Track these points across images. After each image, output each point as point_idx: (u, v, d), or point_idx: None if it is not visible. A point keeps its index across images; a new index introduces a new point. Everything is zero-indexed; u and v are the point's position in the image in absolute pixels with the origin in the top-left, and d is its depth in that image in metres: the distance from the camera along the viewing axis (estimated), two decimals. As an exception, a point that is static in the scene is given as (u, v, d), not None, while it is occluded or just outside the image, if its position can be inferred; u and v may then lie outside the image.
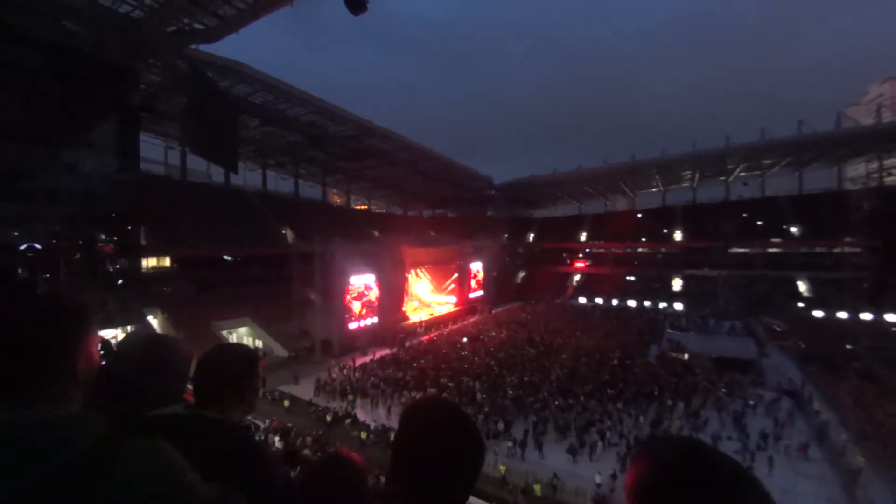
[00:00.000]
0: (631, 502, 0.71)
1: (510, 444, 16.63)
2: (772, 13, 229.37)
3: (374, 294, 33.02)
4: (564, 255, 59.56)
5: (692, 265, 48.64)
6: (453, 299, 45.52)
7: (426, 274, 44.82)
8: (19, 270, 20.99)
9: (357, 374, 24.72)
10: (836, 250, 41.07)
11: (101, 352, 1.02)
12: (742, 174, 53.17)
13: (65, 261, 22.62)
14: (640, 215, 59.42)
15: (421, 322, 37.80)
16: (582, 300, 50.33)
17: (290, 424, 18.39)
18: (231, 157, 24.76)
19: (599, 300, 48.76)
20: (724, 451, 0.71)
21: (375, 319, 32.88)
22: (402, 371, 24.67)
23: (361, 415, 19.79)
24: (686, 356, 27.18)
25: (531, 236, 64.65)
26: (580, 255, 59.00)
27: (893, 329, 30.55)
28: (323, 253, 31.43)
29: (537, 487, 14.07)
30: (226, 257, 36.03)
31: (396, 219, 64.83)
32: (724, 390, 21.97)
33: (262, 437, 15.71)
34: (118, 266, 26.17)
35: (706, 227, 49.82)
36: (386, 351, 29.50)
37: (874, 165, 44.30)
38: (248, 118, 35.80)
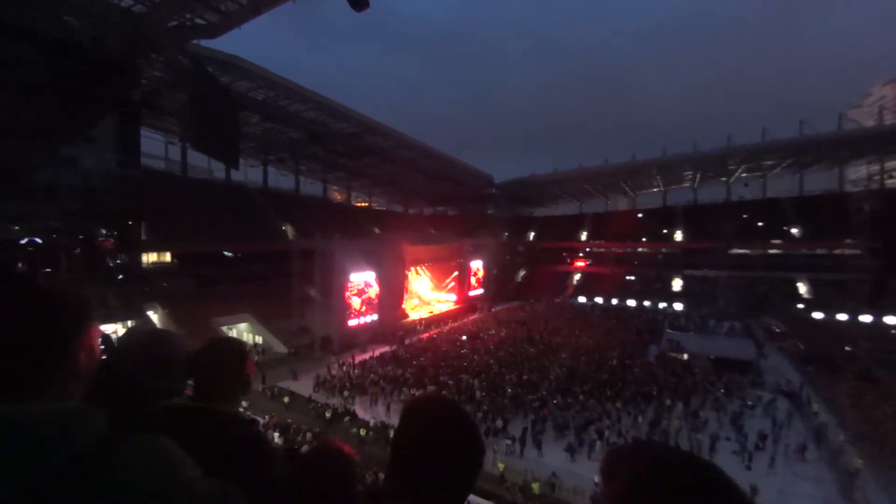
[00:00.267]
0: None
1: (509, 441, 16.67)
2: (773, 13, 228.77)
3: (373, 291, 33.04)
4: (565, 254, 59.57)
5: (692, 265, 48.66)
6: (453, 297, 45.56)
7: (426, 271, 44.85)
8: (20, 265, 21.01)
9: (356, 371, 24.78)
10: (837, 252, 41.13)
11: (102, 347, 1.02)
12: (743, 175, 53.13)
13: (65, 256, 22.64)
14: (640, 215, 59.40)
15: (421, 320, 37.83)
16: (582, 299, 50.35)
17: (289, 421, 18.42)
18: (232, 153, 24.75)
19: (599, 299, 48.78)
20: (717, 453, 0.71)
21: (375, 317, 32.90)
22: (402, 368, 24.71)
23: (361, 412, 19.83)
24: (685, 356, 27.21)
25: (531, 235, 64.64)
26: (580, 255, 59.02)
27: (893, 331, 30.58)
28: (323, 250, 31.44)
29: (535, 486, 14.11)
30: (226, 253, 36.06)
31: (397, 216, 64.84)
32: (722, 391, 22.01)
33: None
34: (118, 261, 26.18)
35: (707, 227, 49.84)
36: (385, 348, 29.53)
37: (875, 168, 44.26)
38: (249, 114, 35.75)
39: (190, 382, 1.40)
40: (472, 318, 41.67)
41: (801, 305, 39.59)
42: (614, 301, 47.72)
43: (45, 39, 18.10)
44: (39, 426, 0.68)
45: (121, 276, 25.86)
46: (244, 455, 1.14)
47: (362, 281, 32.10)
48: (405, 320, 36.44)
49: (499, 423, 17.94)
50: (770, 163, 49.22)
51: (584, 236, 59.92)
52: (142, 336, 1.54)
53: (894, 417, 18.75)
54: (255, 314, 30.08)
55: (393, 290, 35.03)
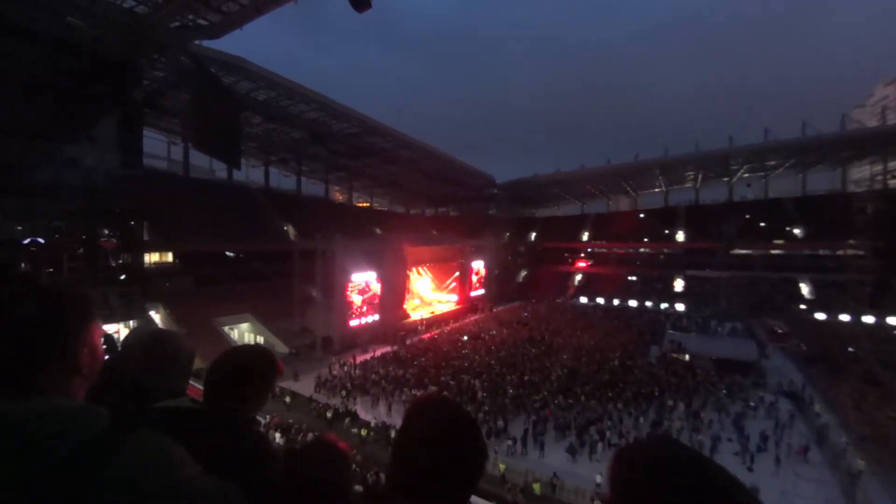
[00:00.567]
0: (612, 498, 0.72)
1: (510, 442, 16.65)
2: (775, 13, 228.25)
3: (375, 291, 33.05)
4: (566, 254, 59.55)
5: (694, 266, 48.61)
6: (454, 297, 45.55)
7: (427, 272, 44.85)
8: (22, 265, 21.07)
9: (357, 372, 24.79)
10: (839, 253, 41.01)
11: (104, 346, 1.02)
12: (745, 175, 53.05)
13: (67, 255, 22.69)
14: (642, 215, 59.34)
15: (422, 320, 37.83)
16: (583, 300, 50.32)
17: (290, 421, 18.45)
18: (234, 154, 24.77)
19: (601, 300, 48.75)
20: (719, 454, 0.72)
21: (376, 317, 32.92)
22: (403, 369, 24.71)
23: (362, 412, 19.83)
24: (687, 357, 27.14)
25: (533, 235, 64.62)
26: (582, 255, 58.99)
27: (895, 332, 30.46)
28: (325, 250, 31.48)
29: (536, 486, 14.09)
30: (228, 253, 36.12)
31: (398, 216, 64.91)
32: (724, 392, 21.95)
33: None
34: (120, 261, 26.22)
35: (709, 227, 49.76)
36: (387, 348, 29.54)
37: (878, 168, 44.10)
38: (251, 115, 35.83)
39: (192, 383, 1.38)
40: (473, 318, 41.65)
41: (803, 306, 39.49)
42: (616, 301, 47.68)
43: (46, 39, 18.16)
44: (40, 423, 0.68)
45: (123, 276, 25.90)
46: (244, 454, 1.14)
47: (364, 281, 32.12)
48: (406, 321, 36.45)
49: (500, 423, 17.92)
50: (772, 163, 49.12)
51: (585, 237, 59.88)
52: (144, 336, 1.53)
53: (897, 419, 18.68)
54: (257, 314, 30.13)
55: (394, 291, 35.04)
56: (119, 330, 22.12)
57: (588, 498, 13.62)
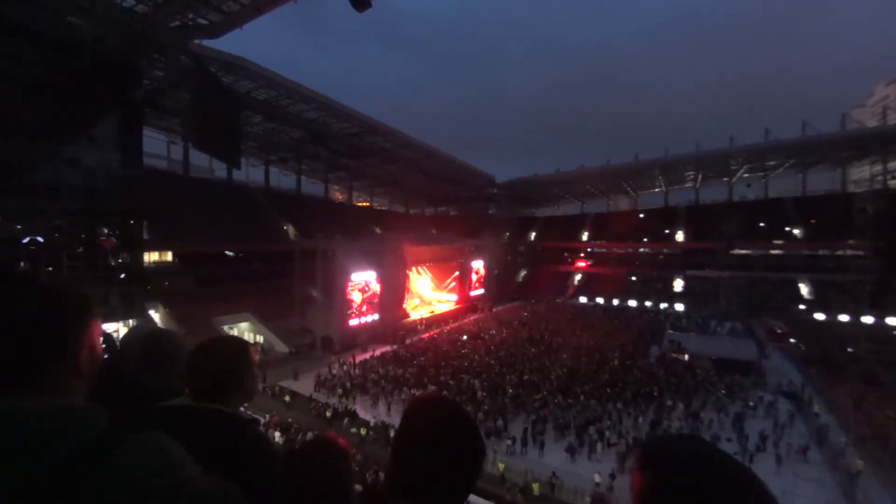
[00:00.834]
0: (636, 497, 0.72)
1: (509, 442, 16.66)
2: (775, 13, 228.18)
3: (375, 290, 33.05)
4: (566, 254, 59.55)
5: (694, 266, 48.61)
6: (454, 297, 45.56)
7: (427, 271, 44.87)
8: (22, 264, 21.06)
9: (357, 371, 24.79)
10: (839, 253, 41.01)
11: (104, 346, 1.02)
12: (745, 175, 53.06)
13: (67, 255, 22.68)
14: (642, 215, 59.35)
15: (421, 319, 37.85)
16: (583, 300, 50.32)
17: (290, 420, 18.46)
18: (234, 153, 24.80)
19: (600, 300, 48.75)
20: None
21: (376, 316, 32.92)
22: (403, 368, 24.72)
23: (362, 411, 19.84)
24: (686, 357, 27.16)
25: (533, 235, 64.62)
26: (582, 255, 58.98)
27: (895, 332, 30.48)
28: (324, 249, 31.48)
29: (535, 486, 14.09)
30: (227, 253, 36.10)
31: (398, 216, 64.89)
32: (724, 392, 21.96)
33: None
34: (120, 260, 26.22)
35: (708, 227, 49.76)
36: (386, 348, 29.55)
37: (878, 168, 44.11)
38: (251, 114, 35.81)
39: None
40: (472, 318, 41.67)
41: (802, 306, 39.50)
42: (615, 301, 47.68)
43: (47, 39, 18.15)
44: (39, 423, 0.68)
45: (122, 276, 25.90)
46: (244, 454, 1.14)
47: (363, 281, 32.12)
48: (406, 320, 36.46)
49: (500, 423, 17.93)
50: (773, 163, 49.12)
51: (585, 236, 59.88)
52: (144, 336, 1.53)
53: (896, 419, 18.69)
54: (257, 313, 30.13)
55: (394, 290, 35.05)
56: (118, 329, 22.11)
57: (587, 497, 13.62)
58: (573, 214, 66.91)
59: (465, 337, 32.92)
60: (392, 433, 16.26)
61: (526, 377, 23.31)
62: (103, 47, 19.85)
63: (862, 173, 50.30)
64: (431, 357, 27.16)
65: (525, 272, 60.81)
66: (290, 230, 43.06)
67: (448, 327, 37.08)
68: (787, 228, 46.66)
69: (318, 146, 42.48)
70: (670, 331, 32.59)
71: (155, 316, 26.57)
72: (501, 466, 14.89)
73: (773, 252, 45.88)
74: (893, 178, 41.50)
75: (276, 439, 15.93)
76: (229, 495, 0.87)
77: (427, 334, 34.36)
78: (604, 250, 57.83)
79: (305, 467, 1.19)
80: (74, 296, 0.86)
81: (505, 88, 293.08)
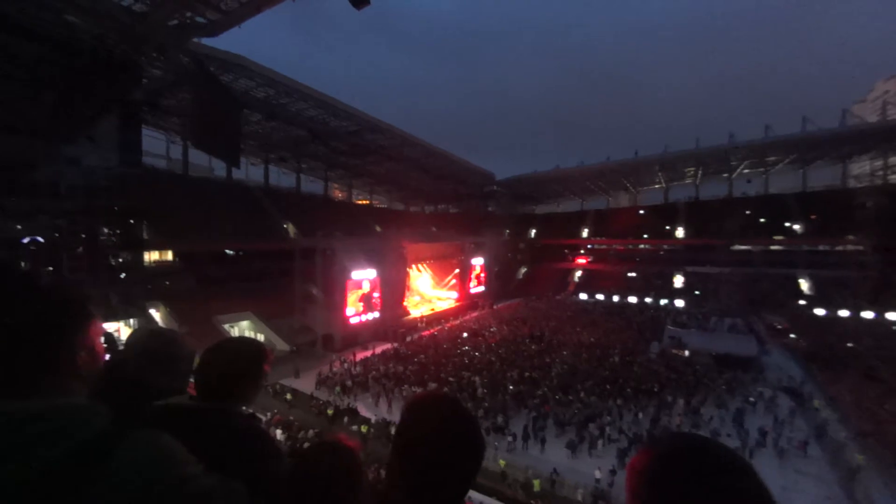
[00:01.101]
0: (631, 492, 0.73)
1: (510, 438, 16.71)
2: (776, 10, 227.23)
3: (375, 288, 33.06)
4: (566, 251, 59.52)
5: (694, 262, 48.61)
6: (454, 295, 45.55)
7: (427, 269, 44.84)
8: (22, 264, 21.06)
9: (357, 369, 24.83)
10: (839, 248, 40.98)
11: (105, 345, 1.02)
12: (745, 171, 52.95)
13: (67, 254, 22.69)
14: (642, 212, 59.29)
15: (422, 317, 37.85)
16: (583, 296, 50.29)
17: (291, 418, 18.50)
18: (233, 152, 24.71)
19: (601, 296, 48.74)
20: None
21: (377, 314, 32.95)
22: (403, 366, 24.75)
23: (362, 409, 19.88)
24: (687, 353, 27.19)
25: (533, 232, 64.59)
26: (582, 252, 58.95)
27: (895, 328, 30.48)
28: (324, 248, 31.48)
29: (536, 482, 14.13)
30: (228, 252, 36.09)
31: (398, 214, 64.80)
32: (724, 387, 21.99)
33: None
34: (121, 260, 26.23)
35: (709, 224, 49.71)
36: (387, 345, 29.59)
37: (878, 163, 44.03)
38: (250, 113, 35.69)
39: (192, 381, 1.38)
40: (473, 315, 41.69)
41: (803, 302, 39.50)
42: (616, 298, 47.68)
43: (46, 38, 18.10)
44: (40, 422, 0.68)
45: (123, 275, 25.91)
46: (247, 452, 1.14)
47: (364, 279, 32.14)
48: (406, 318, 36.47)
49: (500, 420, 17.98)
50: (773, 159, 48.98)
51: (585, 233, 59.84)
52: (146, 335, 1.54)
53: (896, 414, 18.71)
54: (257, 312, 30.16)
55: (394, 288, 35.05)
56: (119, 329, 22.16)
57: (588, 493, 13.66)
58: (573, 211, 66.81)
59: (465, 334, 32.94)
60: (393, 430, 16.30)
61: (526, 374, 23.34)
62: (102, 46, 19.78)
63: (862, 169, 50.24)
64: (432, 354, 27.19)
65: (525, 269, 60.80)
66: (290, 229, 43.03)
67: (448, 325, 37.11)
68: (788, 224, 46.60)
69: (317, 144, 42.38)
70: (670, 327, 32.60)
71: (156, 315, 26.59)
72: (502, 463, 14.92)
73: (773, 248, 45.86)
74: (894, 173, 41.46)
75: (278, 437, 15.97)
76: (232, 493, 0.87)
77: (427, 332, 34.38)
78: (604, 247, 57.81)
79: (313, 469, 1.17)
80: (74, 296, 0.86)
81: (506, 86, 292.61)
